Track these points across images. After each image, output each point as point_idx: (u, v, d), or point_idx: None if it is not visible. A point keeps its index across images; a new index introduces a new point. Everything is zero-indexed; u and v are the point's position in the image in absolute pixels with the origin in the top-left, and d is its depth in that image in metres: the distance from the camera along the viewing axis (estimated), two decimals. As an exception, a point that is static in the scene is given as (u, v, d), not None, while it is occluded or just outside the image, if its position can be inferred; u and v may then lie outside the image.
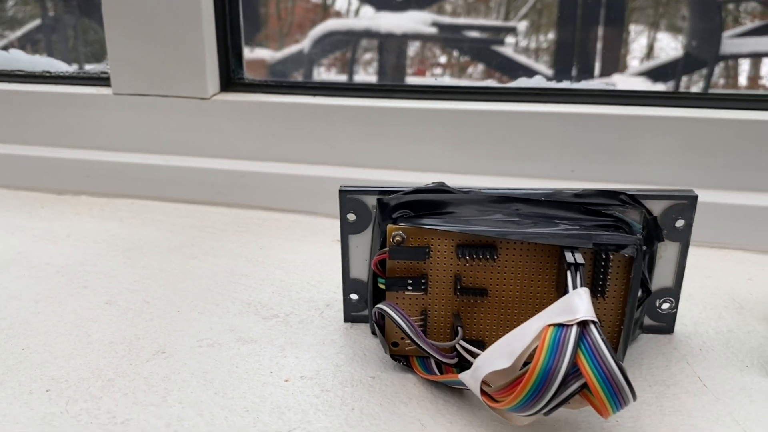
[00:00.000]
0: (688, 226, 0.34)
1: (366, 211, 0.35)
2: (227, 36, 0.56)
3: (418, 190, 0.33)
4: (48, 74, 0.61)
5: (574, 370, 0.25)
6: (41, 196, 0.59)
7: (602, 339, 0.25)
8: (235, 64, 0.57)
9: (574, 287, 0.28)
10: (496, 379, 0.27)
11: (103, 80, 0.59)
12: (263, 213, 0.55)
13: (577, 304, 0.26)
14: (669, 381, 0.32)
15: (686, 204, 0.33)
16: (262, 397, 0.31)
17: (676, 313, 0.36)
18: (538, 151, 0.51)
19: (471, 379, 0.28)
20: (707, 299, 0.40)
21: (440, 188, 0.33)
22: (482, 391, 0.27)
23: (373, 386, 0.32)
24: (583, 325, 0.25)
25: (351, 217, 0.35)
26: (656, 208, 0.33)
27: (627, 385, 0.24)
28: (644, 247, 0.33)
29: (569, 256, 0.29)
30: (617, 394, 0.24)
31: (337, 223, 0.36)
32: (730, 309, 0.39)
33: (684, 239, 0.34)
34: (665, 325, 0.36)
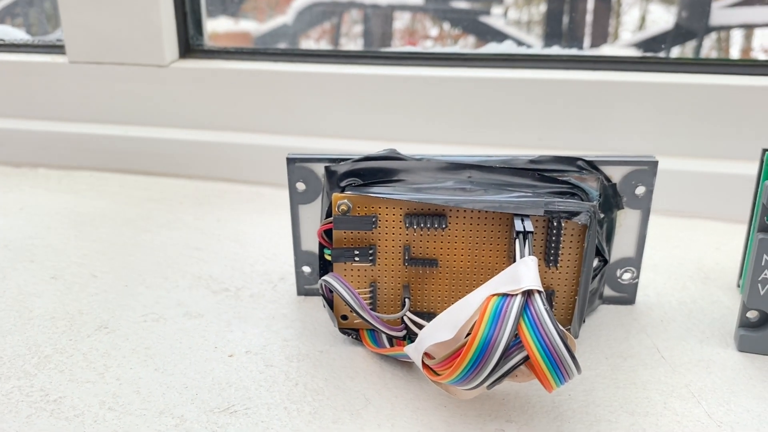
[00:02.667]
0: (649, 192, 0.32)
1: (316, 180, 0.33)
2: (185, 0, 0.54)
3: (367, 158, 0.31)
4: (1, 42, 0.59)
5: (516, 342, 0.24)
6: (-3, 169, 0.57)
7: (546, 310, 0.24)
8: (194, 30, 0.55)
9: (522, 256, 0.26)
10: (439, 351, 0.26)
11: (57, 48, 0.57)
12: (225, 185, 0.53)
13: (523, 272, 0.25)
14: (626, 353, 0.31)
15: (646, 170, 0.32)
16: (203, 373, 0.30)
17: (637, 283, 0.35)
18: (505, 118, 0.49)
19: (414, 351, 0.27)
20: (672, 269, 0.39)
21: (390, 155, 0.31)
22: (424, 364, 0.26)
23: (320, 360, 0.31)
24: (527, 294, 0.24)
25: (300, 186, 0.34)
26: (615, 174, 0.32)
27: (570, 358, 0.23)
28: (602, 215, 0.32)
29: (518, 224, 0.28)
30: (560, 367, 0.23)
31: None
32: (696, 279, 0.38)
33: (645, 206, 0.33)
34: (626, 295, 0.35)
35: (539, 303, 0.24)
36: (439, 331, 0.25)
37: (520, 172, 0.31)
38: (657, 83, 0.46)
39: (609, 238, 0.33)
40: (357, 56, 0.52)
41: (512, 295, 0.24)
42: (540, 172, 0.31)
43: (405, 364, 0.30)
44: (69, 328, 0.33)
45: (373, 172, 0.32)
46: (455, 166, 0.31)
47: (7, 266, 0.40)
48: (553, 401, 0.28)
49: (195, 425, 0.27)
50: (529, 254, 0.26)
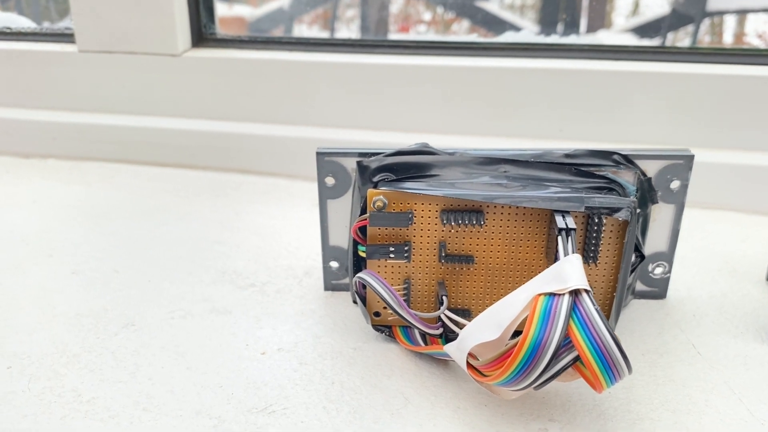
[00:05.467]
0: (684, 187, 0.32)
1: (345, 175, 0.33)
2: (197, -12, 0.53)
3: (400, 152, 0.31)
4: (8, 30, 0.58)
5: (566, 342, 0.23)
6: (6, 160, 0.56)
7: (596, 309, 0.23)
8: (207, 19, 0.54)
9: (566, 254, 0.26)
10: (484, 351, 0.25)
11: (67, 37, 0.56)
12: (239, 176, 0.53)
13: (569, 271, 0.24)
14: (662, 349, 0.31)
15: (682, 164, 0.32)
16: (237, 372, 0.29)
17: (669, 278, 0.34)
18: (526, 109, 0.49)
19: (457, 351, 0.26)
20: (700, 262, 0.39)
21: (423, 149, 0.31)
22: (468, 365, 0.26)
23: (354, 358, 0.30)
24: (575, 294, 0.24)
25: (329, 181, 0.33)
26: (651, 168, 0.32)
27: (622, 358, 0.23)
28: (638, 210, 0.32)
29: (560, 221, 0.27)
30: (612, 368, 0.23)
31: (316, 186, 0.34)
32: (724, 272, 0.38)
33: (679, 201, 0.32)
34: (658, 290, 0.35)
35: (588, 302, 0.23)
36: (482, 331, 0.25)
37: (556, 167, 0.30)
38: (681, 74, 0.46)
39: (644, 233, 0.33)
40: (375, 45, 0.52)
41: (560, 295, 0.24)
42: (576, 167, 0.30)
43: (441, 361, 0.30)
44: (95, 325, 0.33)
45: (406, 167, 0.31)
46: (490, 161, 0.30)
47: (26, 261, 0.39)
48: (595, 400, 0.28)
49: (234, 426, 0.26)
50: (573, 252, 0.26)
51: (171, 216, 0.45)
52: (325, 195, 0.33)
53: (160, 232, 0.43)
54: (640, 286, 0.35)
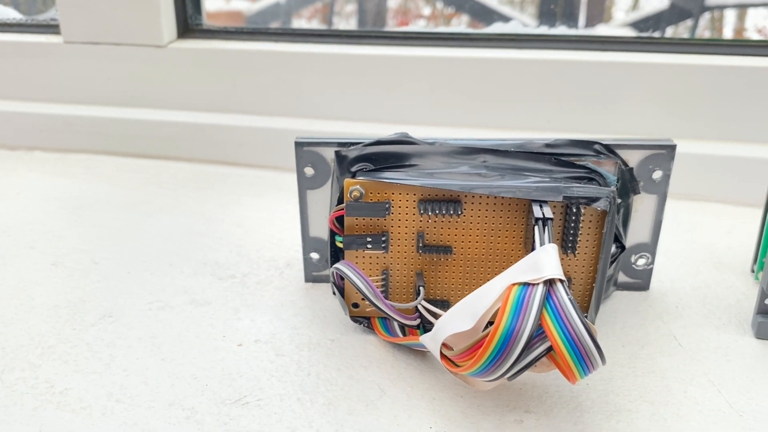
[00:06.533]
0: (666, 177, 0.32)
1: (325, 165, 0.32)
2: (183, -22, 0.52)
3: (379, 142, 0.30)
4: (-7, 21, 0.57)
5: (539, 332, 0.23)
6: (-8, 152, 0.56)
7: (570, 299, 0.23)
8: (193, 9, 0.53)
9: (542, 243, 0.26)
10: (458, 341, 0.25)
11: (52, 28, 0.55)
12: (226, 168, 0.52)
13: (544, 261, 0.24)
14: (643, 340, 0.31)
15: (664, 154, 0.31)
16: (213, 363, 0.29)
17: (652, 269, 0.34)
18: (514, 100, 0.48)
19: (431, 341, 0.26)
20: (685, 254, 0.39)
21: (403, 139, 0.30)
22: (442, 355, 0.25)
23: (332, 349, 0.30)
24: (549, 283, 0.23)
25: (309, 171, 0.33)
26: (632, 158, 0.31)
27: (595, 349, 0.23)
28: (619, 200, 0.31)
29: (537, 210, 0.27)
30: (585, 358, 0.23)
31: (296, 177, 0.34)
32: (708, 264, 0.38)
33: (661, 191, 0.32)
34: (641, 281, 0.35)
35: (562, 292, 0.23)
36: (457, 321, 0.25)
37: (536, 157, 0.30)
38: (668, 64, 0.45)
39: (625, 223, 0.32)
40: (362, 36, 0.51)
41: (534, 284, 0.23)
42: (556, 157, 0.30)
43: (419, 353, 0.30)
44: (72, 317, 0.33)
45: (384, 157, 0.31)
46: (469, 151, 0.30)
47: (6, 253, 0.39)
48: (572, 391, 0.27)
49: (206, 417, 0.26)
50: (549, 241, 0.26)
51: (155, 208, 0.45)
52: (305, 185, 0.33)
53: (144, 224, 0.43)
54: (622, 278, 0.34)
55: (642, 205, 0.33)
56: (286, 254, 0.39)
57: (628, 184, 0.32)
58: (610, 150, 0.31)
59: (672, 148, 0.31)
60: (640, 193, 0.32)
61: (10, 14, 0.60)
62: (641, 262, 0.34)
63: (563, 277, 0.24)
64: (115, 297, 0.34)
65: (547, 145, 0.30)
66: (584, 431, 0.26)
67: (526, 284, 0.23)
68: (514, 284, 0.23)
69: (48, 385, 0.28)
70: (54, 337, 0.31)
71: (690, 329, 0.32)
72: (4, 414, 0.26)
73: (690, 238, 0.40)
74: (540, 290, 0.23)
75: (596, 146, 0.30)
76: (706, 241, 0.40)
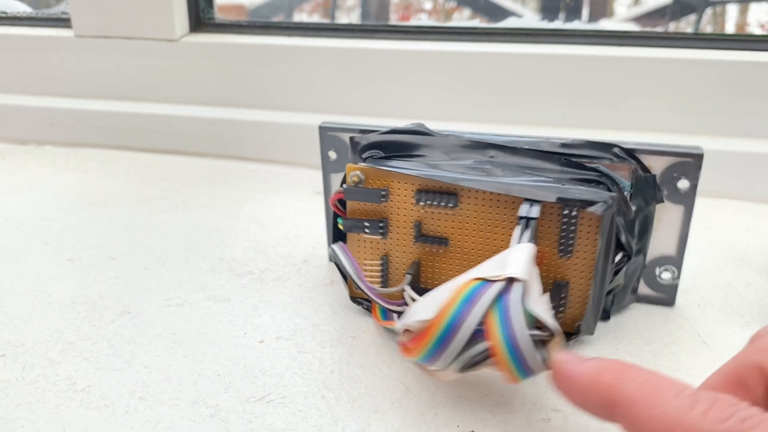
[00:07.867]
0: (693, 187, 0.30)
1: (347, 150, 0.33)
2: (195, -28, 0.52)
3: (394, 131, 0.31)
4: (4, 15, 0.57)
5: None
6: (2, 147, 0.56)
7: (521, 300, 0.23)
8: (205, 3, 0.53)
9: (519, 242, 0.25)
10: (419, 329, 0.25)
11: (63, 21, 0.55)
12: (238, 163, 0.52)
13: (511, 259, 0.24)
14: (667, 338, 0.31)
15: (690, 162, 0.29)
16: (235, 360, 0.29)
17: (677, 284, 0.32)
18: (529, 95, 0.48)
19: (400, 327, 0.26)
20: (705, 251, 0.38)
21: (417, 129, 0.31)
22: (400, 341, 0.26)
23: (354, 346, 0.30)
24: (510, 282, 0.23)
25: (332, 155, 0.34)
26: (656, 165, 0.30)
27: (536, 352, 0.22)
28: (633, 208, 0.30)
29: (524, 209, 0.26)
30: (522, 360, 0.22)
31: (316, 174, 0.34)
32: (728, 261, 0.37)
33: (688, 202, 0.30)
34: (665, 296, 0.33)
35: (515, 292, 0.23)
36: (422, 311, 0.25)
37: (544, 155, 0.29)
38: (686, 60, 0.45)
39: (643, 232, 0.31)
40: (376, 30, 0.51)
41: (493, 281, 0.23)
42: (566, 157, 0.29)
43: (442, 350, 0.29)
44: (90, 313, 0.32)
45: (396, 146, 0.31)
46: (478, 145, 0.30)
47: (22, 249, 0.38)
48: (598, 389, 0.27)
49: (231, 415, 0.26)
50: (529, 241, 0.25)
51: (169, 203, 0.45)
52: (329, 169, 0.34)
53: (158, 219, 0.42)
54: (646, 291, 0.33)
55: (666, 215, 0.31)
56: (303, 250, 0.38)
57: (646, 192, 0.30)
58: (629, 154, 0.29)
59: (699, 157, 0.29)
60: (663, 201, 0.30)
61: (21, 8, 0.59)
62: (666, 275, 0.32)
63: (525, 277, 0.23)
64: (134, 293, 0.34)
65: (564, 145, 0.29)
66: (612, 430, 0.25)
67: (486, 280, 0.23)
68: (474, 279, 0.24)
69: (70, 383, 0.28)
70: (73, 334, 0.31)
71: (713, 327, 0.31)
72: (27, 411, 0.26)
73: (709, 235, 0.40)
74: (495, 287, 0.23)
75: (615, 149, 0.29)
76: (726, 238, 0.40)
